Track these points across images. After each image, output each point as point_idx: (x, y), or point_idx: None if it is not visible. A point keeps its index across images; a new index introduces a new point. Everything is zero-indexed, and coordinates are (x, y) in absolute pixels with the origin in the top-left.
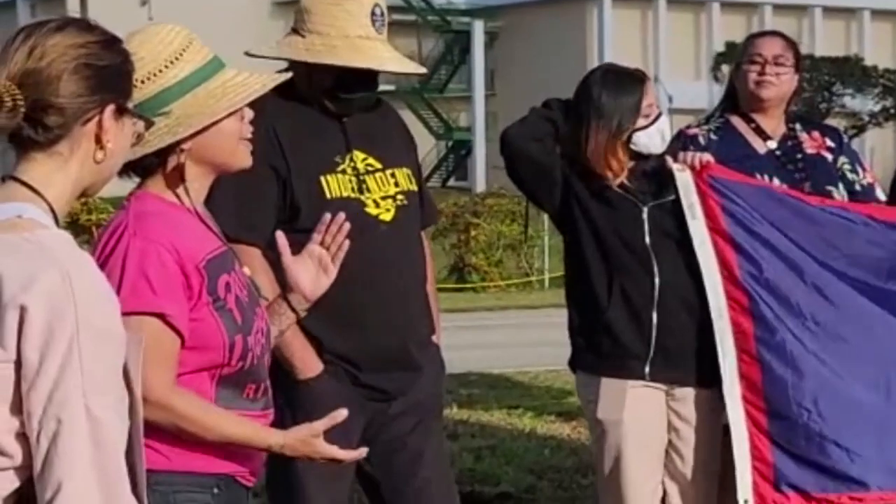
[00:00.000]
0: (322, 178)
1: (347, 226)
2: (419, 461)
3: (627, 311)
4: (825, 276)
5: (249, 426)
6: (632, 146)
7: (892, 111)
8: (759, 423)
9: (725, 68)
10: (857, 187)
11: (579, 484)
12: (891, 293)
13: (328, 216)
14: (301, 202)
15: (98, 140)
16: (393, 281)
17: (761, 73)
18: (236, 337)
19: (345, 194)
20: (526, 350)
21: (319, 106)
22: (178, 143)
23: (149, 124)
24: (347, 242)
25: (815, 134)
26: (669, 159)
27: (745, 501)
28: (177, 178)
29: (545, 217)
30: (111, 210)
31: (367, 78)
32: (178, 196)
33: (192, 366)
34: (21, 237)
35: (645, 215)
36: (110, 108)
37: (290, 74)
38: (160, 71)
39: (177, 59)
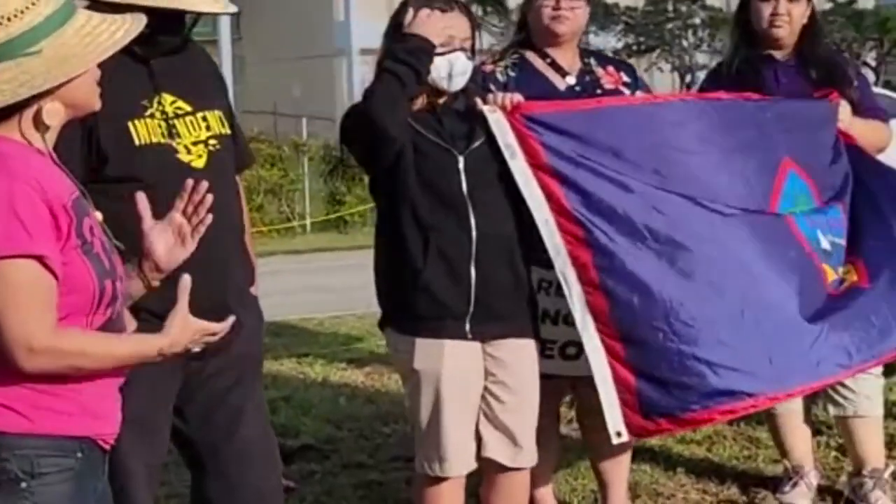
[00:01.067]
0: (129, 124)
1: (210, 199)
2: (239, 418)
3: (444, 269)
4: (657, 192)
5: (135, 339)
6: None
7: (633, 48)
8: (616, 352)
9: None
10: None
11: (381, 432)
12: (729, 173)
13: (191, 182)
14: (108, 150)
15: None
16: (208, 230)
17: (556, 8)
18: (106, 282)
19: (154, 140)
20: (303, 296)
21: (124, 49)
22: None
23: None
24: (210, 217)
25: (611, 69)
26: (479, 101)
27: (618, 434)
28: (35, 122)
29: (305, 160)
30: None
31: (174, 19)
32: (30, 139)
33: (60, 313)
34: None
35: (461, 164)
36: None
37: (144, 18)
38: (27, 8)
39: None
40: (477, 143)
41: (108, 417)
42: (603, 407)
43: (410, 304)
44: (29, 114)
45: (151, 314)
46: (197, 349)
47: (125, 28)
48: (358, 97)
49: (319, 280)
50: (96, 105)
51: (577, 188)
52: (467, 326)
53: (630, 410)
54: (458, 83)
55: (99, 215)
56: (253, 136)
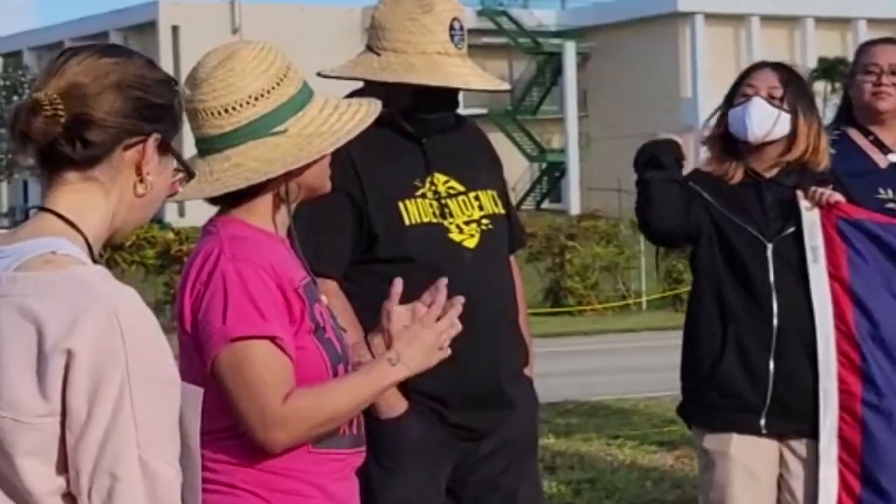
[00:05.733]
0: (400, 204)
1: (460, 308)
2: (513, 502)
3: (741, 360)
4: None
5: (365, 374)
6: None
7: None
8: (852, 488)
9: (819, 84)
10: None
11: None
12: None
13: (444, 281)
14: (378, 230)
15: (139, 171)
16: (481, 311)
17: (877, 84)
18: (339, 367)
19: (425, 220)
20: (625, 376)
21: (396, 127)
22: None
23: (190, 175)
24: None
25: None
26: (800, 194)
27: None
28: (271, 205)
29: (641, 238)
30: None
31: (447, 96)
32: (276, 221)
33: None
34: (58, 275)
35: (769, 252)
36: (155, 137)
37: (380, 103)
38: (273, 87)
39: (284, 76)
40: (790, 230)
41: (346, 501)
42: None
43: (705, 395)
44: (276, 195)
45: (424, 395)
46: (442, 355)
47: (364, 110)
48: None
49: (647, 359)
50: (327, 187)
51: (868, 315)
52: (762, 421)
53: None
54: (759, 132)
55: (325, 299)
56: (588, 212)
